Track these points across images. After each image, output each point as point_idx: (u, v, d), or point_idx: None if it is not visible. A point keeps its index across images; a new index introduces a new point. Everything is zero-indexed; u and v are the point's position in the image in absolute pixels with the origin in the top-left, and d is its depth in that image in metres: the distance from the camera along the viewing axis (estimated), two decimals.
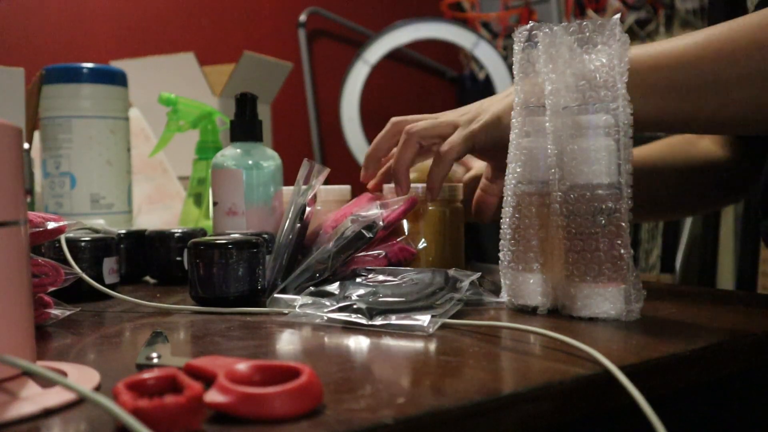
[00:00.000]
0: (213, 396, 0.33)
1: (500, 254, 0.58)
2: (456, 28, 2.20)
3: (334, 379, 0.39)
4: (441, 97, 2.65)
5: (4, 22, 1.83)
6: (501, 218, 0.58)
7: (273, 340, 0.50)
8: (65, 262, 0.61)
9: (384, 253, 0.66)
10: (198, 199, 0.99)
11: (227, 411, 0.32)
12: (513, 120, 0.58)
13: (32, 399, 0.34)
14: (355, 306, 0.53)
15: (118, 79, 0.96)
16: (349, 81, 2.15)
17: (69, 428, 0.32)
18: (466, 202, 0.75)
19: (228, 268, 0.60)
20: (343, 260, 0.63)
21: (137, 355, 0.43)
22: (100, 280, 0.66)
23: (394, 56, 2.32)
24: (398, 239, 0.67)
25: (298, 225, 0.66)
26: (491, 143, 0.64)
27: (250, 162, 0.76)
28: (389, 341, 0.48)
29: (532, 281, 0.56)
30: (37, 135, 0.97)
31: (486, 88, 2.30)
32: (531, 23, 0.56)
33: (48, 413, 0.33)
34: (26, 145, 0.97)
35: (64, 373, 0.39)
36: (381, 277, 0.60)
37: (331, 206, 0.79)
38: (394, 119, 0.72)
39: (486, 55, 2.19)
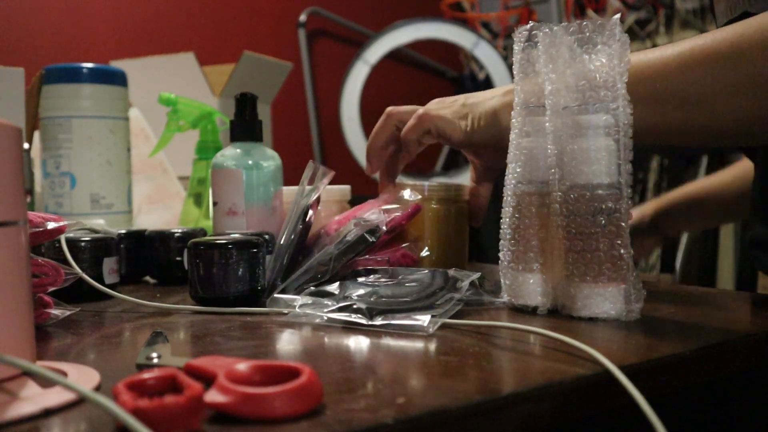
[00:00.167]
0: (213, 396, 0.33)
1: (500, 254, 0.58)
2: (456, 28, 2.21)
3: (334, 379, 0.39)
4: (441, 97, 2.64)
5: (4, 22, 1.83)
6: (501, 218, 0.58)
7: (273, 340, 0.50)
8: (65, 262, 0.61)
9: (387, 259, 0.66)
10: (198, 199, 0.99)
11: (227, 411, 0.32)
12: (513, 120, 0.58)
13: (32, 399, 0.34)
14: (355, 306, 0.53)
15: (118, 79, 0.96)
16: (349, 81, 2.15)
17: (69, 428, 0.32)
18: None
19: (228, 268, 0.60)
20: (345, 263, 0.64)
21: (137, 355, 0.43)
22: (100, 280, 0.66)
23: (394, 56, 2.33)
24: (402, 245, 0.67)
25: (300, 226, 0.66)
26: (489, 139, 0.65)
27: (250, 162, 0.76)
28: (389, 341, 0.48)
29: (532, 281, 0.56)
30: (37, 135, 0.97)
31: (486, 88, 2.30)
32: (531, 23, 0.56)
33: (48, 413, 0.33)
34: (26, 145, 0.96)
35: (64, 373, 0.39)
36: (381, 278, 0.60)
37: (330, 206, 0.79)
38: (389, 109, 0.73)
39: (486, 55, 2.19)
